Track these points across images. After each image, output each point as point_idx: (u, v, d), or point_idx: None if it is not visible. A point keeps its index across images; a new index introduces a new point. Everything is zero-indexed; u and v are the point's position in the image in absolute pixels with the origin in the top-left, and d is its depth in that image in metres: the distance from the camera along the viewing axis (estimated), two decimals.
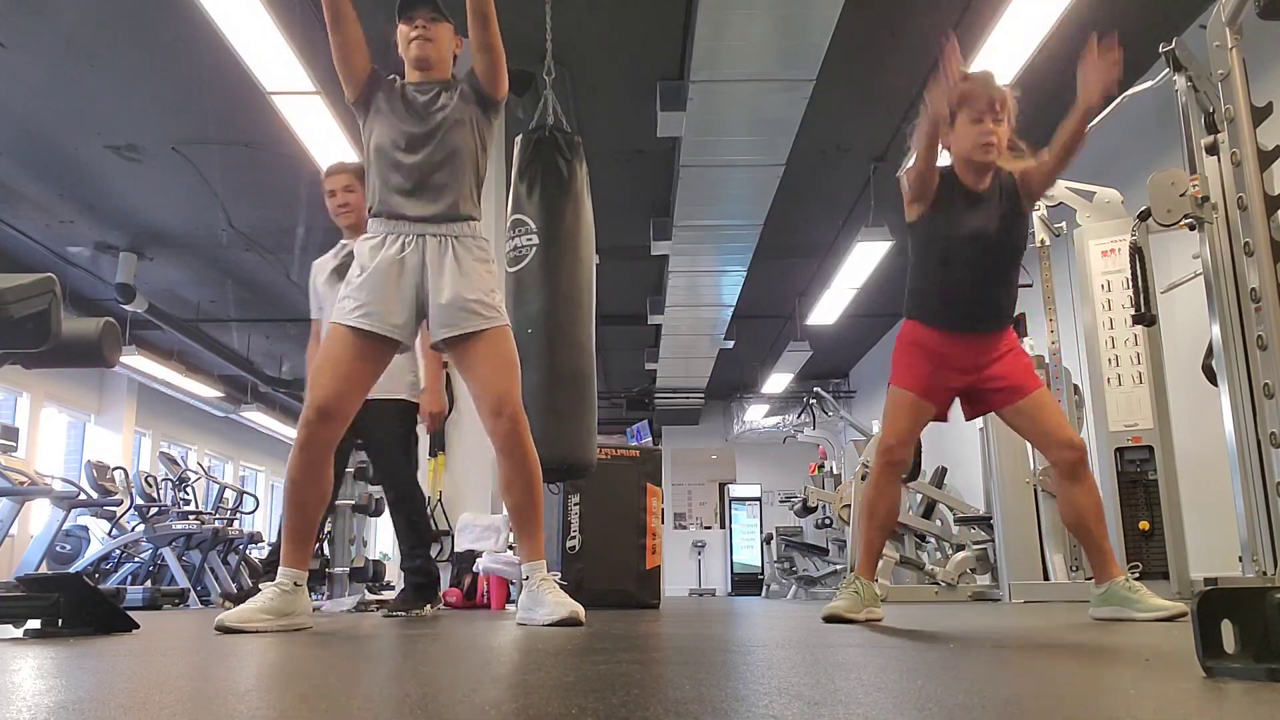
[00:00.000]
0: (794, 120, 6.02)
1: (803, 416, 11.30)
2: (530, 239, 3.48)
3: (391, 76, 2.69)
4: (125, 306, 8.61)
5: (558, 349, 3.39)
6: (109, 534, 7.20)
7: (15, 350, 2.17)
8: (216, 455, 14.59)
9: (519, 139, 3.67)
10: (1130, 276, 3.78)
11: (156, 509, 7.15)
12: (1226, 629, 1.05)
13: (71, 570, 6.26)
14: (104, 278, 8.90)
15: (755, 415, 14.82)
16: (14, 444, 6.68)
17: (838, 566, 8.81)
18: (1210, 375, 3.43)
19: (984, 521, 6.46)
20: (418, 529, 3.86)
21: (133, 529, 7.08)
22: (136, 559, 7.00)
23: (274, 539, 4.07)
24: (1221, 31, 3.03)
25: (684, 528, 15.91)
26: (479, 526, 5.13)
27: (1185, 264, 4.43)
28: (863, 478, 6.47)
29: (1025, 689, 1.13)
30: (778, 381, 12.79)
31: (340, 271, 3.46)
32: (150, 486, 7.36)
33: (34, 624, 2.17)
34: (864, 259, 8.01)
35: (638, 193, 7.72)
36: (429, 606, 3.78)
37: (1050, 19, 4.81)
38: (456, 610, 4.88)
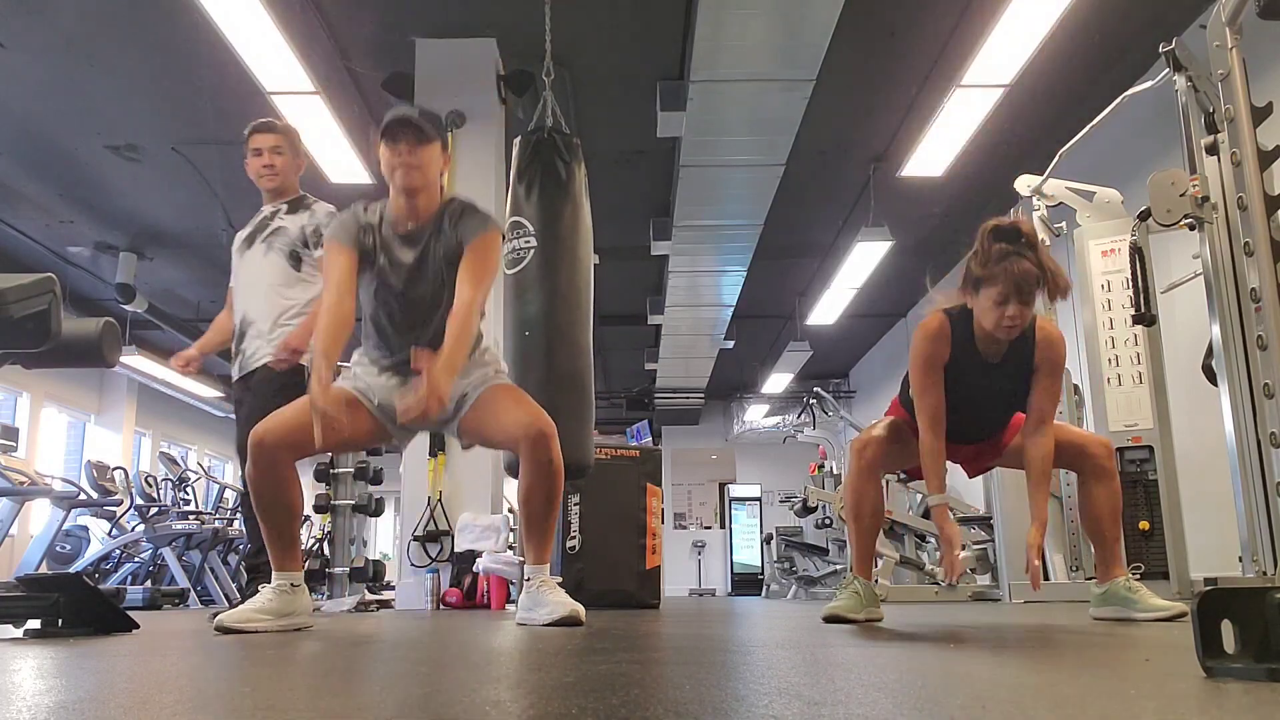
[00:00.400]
0: (794, 120, 6.02)
1: (803, 416, 11.30)
2: (529, 241, 3.48)
3: (376, 226, 2.52)
4: (125, 306, 8.61)
5: (556, 350, 3.40)
6: (109, 534, 7.20)
7: (15, 350, 2.17)
8: (216, 455, 14.59)
9: (518, 141, 3.67)
10: (1130, 276, 3.78)
11: (156, 509, 7.15)
12: (1226, 629, 1.05)
13: (71, 570, 6.26)
14: (104, 278, 8.90)
15: (755, 415, 14.82)
16: (14, 444, 6.68)
17: (838, 566, 8.81)
18: (1210, 375, 3.43)
19: (984, 521, 6.46)
20: None
21: (133, 529, 7.08)
22: (136, 559, 7.01)
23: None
24: (1221, 31, 3.03)
25: (684, 528, 15.91)
26: (479, 526, 5.14)
27: (1185, 264, 4.43)
28: None
29: (1025, 689, 1.13)
30: (778, 381, 12.79)
31: (250, 240, 3.41)
32: (150, 486, 7.37)
33: (34, 624, 2.17)
34: (864, 259, 8.01)
35: (638, 193, 7.72)
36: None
37: (1050, 19, 4.81)
38: (456, 610, 4.88)
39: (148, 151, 6.87)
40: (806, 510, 8.87)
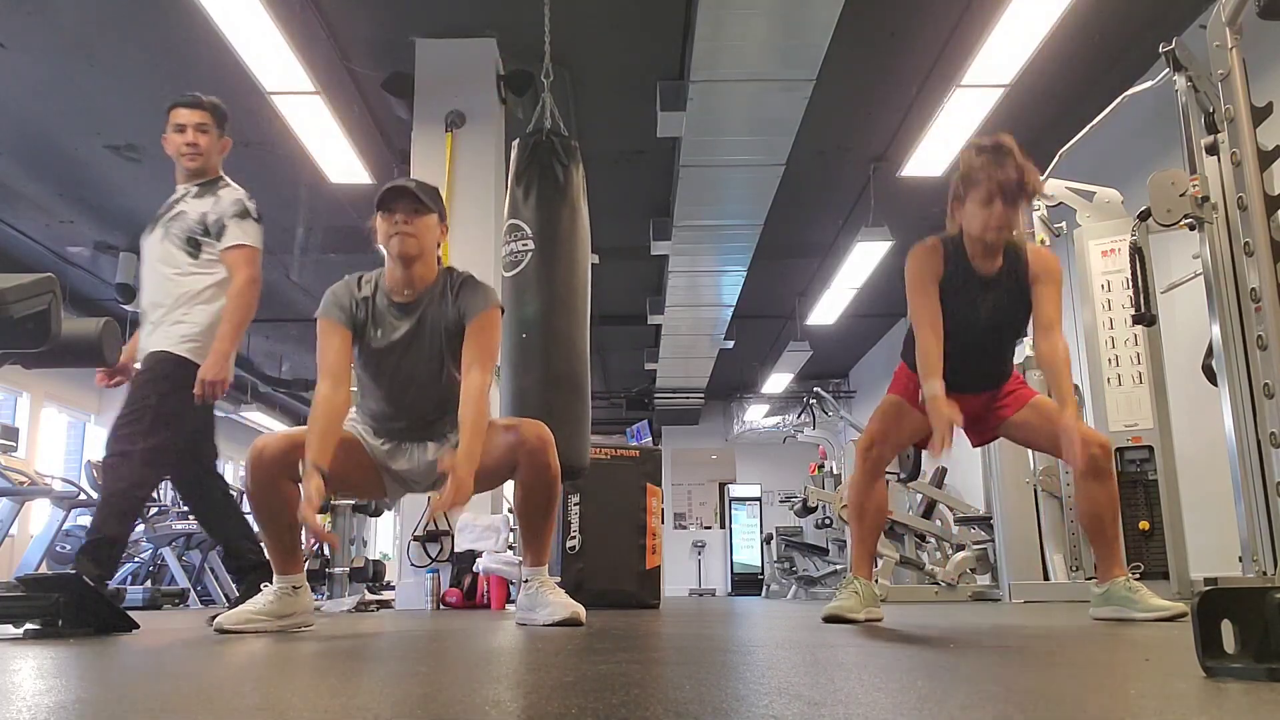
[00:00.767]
0: (794, 120, 6.02)
1: (803, 416, 11.30)
2: (526, 244, 3.48)
3: (371, 300, 2.50)
4: (125, 306, 8.59)
5: (553, 353, 3.40)
6: None
7: (15, 350, 2.17)
8: None
9: (516, 143, 3.67)
10: (1130, 276, 3.78)
11: (156, 509, 7.14)
12: (1226, 629, 1.05)
13: (71, 570, 6.25)
14: (104, 278, 8.90)
15: (755, 415, 14.82)
16: (14, 444, 6.68)
17: (838, 566, 8.81)
18: (1210, 375, 3.43)
19: (984, 521, 6.45)
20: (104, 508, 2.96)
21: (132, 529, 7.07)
22: (136, 559, 7.00)
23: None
24: (1221, 31, 3.03)
25: (684, 528, 15.91)
26: (479, 526, 5.14)
27: (1185, 264, 4.43)
28: None
29: (1025, 689, 1.13)
30: (778, 381, 12.79)
31: (154, 223, 3.29)
32: None
33: (34, 624, 2.17)
34: (864, 259, 8.02)
35: (638, 193, 7.72)
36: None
37: (1050, 19, 4.81)
38: (456, 610, 4.88)
39: (148, 151, 6.87)
40: (806, 510, 8.87)
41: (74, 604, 2.20)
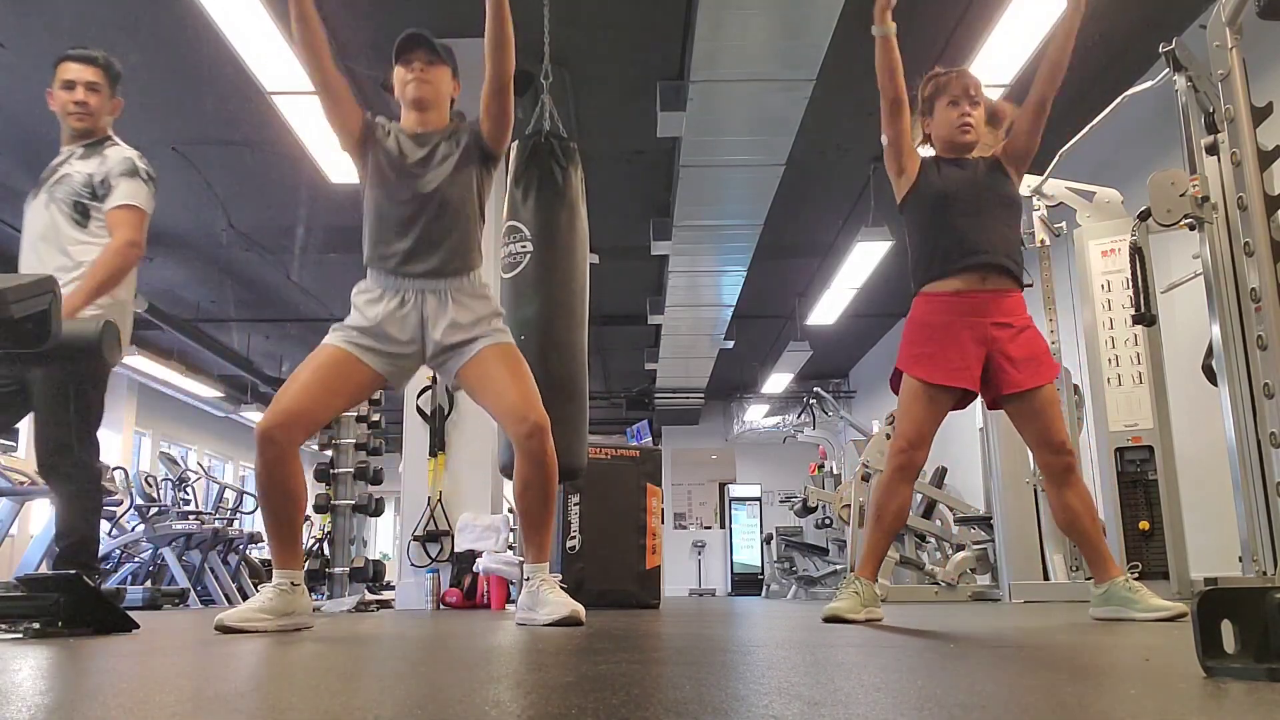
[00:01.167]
0: (794, 120, 6.02)
1: (803, 416, 11.31)
2: (525, 245, 3.49)
3: (388, 127, 2.66)
4: None
5: (550, 355, 3.40)
6: (109, 534, 7.19)
7: (15, 350, 2.17)
8: (216, 455, 14.59)
9: (515, 144, 3.67)
10: (1130, 276, 3.78)
11: (156, 509, 7.15)
12: (1226, 629, 1.05)
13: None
14: None
15: (755, 415, 14.83)
16: (14, 444, 6.68)
17: (838, 566, 8.81)
18: (1210, 375, 3.43)
19: (984, 521, 6.46)
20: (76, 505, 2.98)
21: (133, 529, 7.08)
22: (136, 559, 7.00)
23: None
24: (1221, 31, 3.03)
25: (684, 528, 15.91)
26: (479, 526, 5.14)
27: (1185, 264, 4.43)
28: (864, 478, 6.47)
29: (1025, 689, 1.13)
30: (778, 381, 12.79)
31: (38, 188, 3.01)
32: (150, 486, 7.36)
33: (34, 624, 2.17)
34: (864, 259, 8.02)
35: (638, 193, 7.72)
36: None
37: (1050, 19, 4.81)
38: (456, 610, 4.88)
39: (148, 151, 6.83)
40: (806, 510, 8.88)
41: (74, 604, 2.20)
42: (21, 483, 5.99)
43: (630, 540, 4.74)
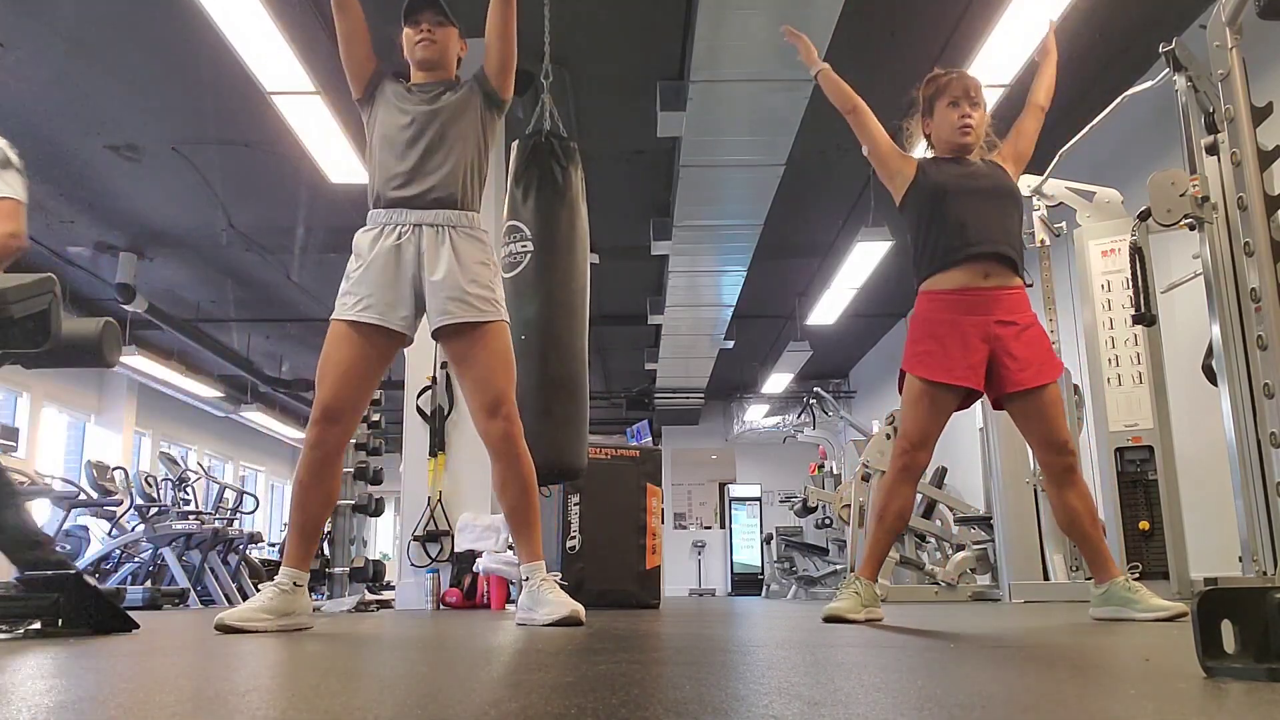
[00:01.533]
0: (794, 120, 6.02)
1: (803, 416, 11.31)
2: (525, 245, 3.49)
3: (396, 74, 2.73)
4: (125, 306, 8.61)
5: (551, 354, 3.41)
6: (109, 534, 7.19)
7: (15, 350, 2.17)
8: (216, 455, 14.59)
9: (515, 144, 3.67)
10: (1130, 276, 3.78)
11: (156, 509, 7.15)
12: (1226, 629, 1.05)
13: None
14: (104, 278, 8.90)
15: (755, 415, 14.83)
16: (14, 444, 6.68)
17: (838, 566, 8.81)
18: (1210, 375, 3.43)
19: (984, 521, 6.46)
20: None
21: (133, 529, 7.07)
22: (136, 559, 7.00)
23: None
24: (1221, 31, 3.03)
25: (684, 528, 15.91)
26: (479, 526, 5.14)
27: (1185, 264, 4.43)
28: (864, 478, 6.47)
29: (1025, 689, 1.13)
30: (778, 381, 12.79)
31: None
32: (150, 486, 7.36)
33: (34, 624, 2.17)
34: (864, 259, 8.02)
35: (638, 193, 7.72)
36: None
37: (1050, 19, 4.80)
38: (456, 610, 4.88)
39: (148, 151, 6.87)
40: (806, 510, 8.88)
41: (74, 604, 2.20)
42: (21, 483, 5.99)
43: (630, 540, 4.74)
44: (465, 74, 2.80)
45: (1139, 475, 4.37)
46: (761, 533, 13.14)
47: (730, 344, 11.18)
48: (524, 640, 2.04)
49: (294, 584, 2.41)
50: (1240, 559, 3.18)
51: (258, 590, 2.49)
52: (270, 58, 4.98)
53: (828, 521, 9.02)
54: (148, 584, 6.67)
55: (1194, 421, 4.79)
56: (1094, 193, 4.77)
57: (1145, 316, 3.69)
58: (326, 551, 5.77)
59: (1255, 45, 3.15)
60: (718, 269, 8.85)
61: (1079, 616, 2.82)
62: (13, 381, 9.91)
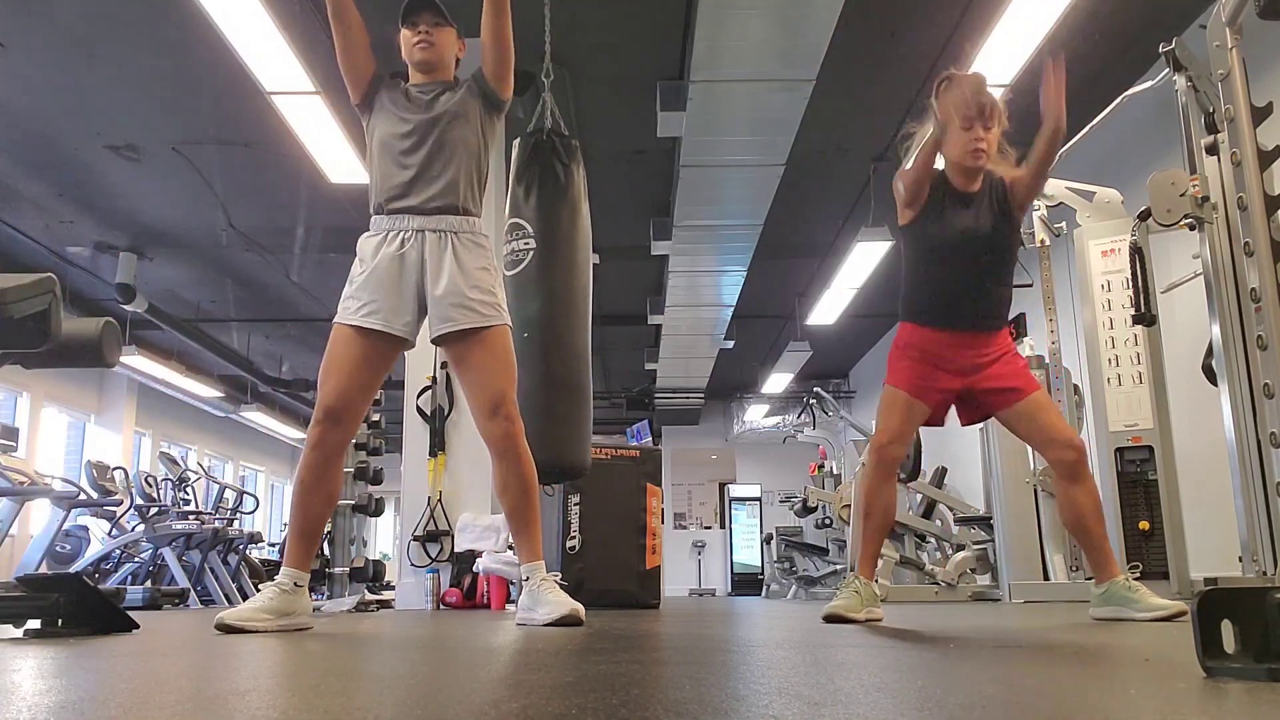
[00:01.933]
0: (794, 120, 6.02)
1: (803, 416, 11.30)
2: (527, 243, 3.48)
3: (395, 77, 2.72)
4: (125, 306, 8.61)
5: (553, 353, 3.40)
6: (109, 534, 7.19)
7: (15, 350, 2.17)
8: (216, 455, 14.59)
9: (517, 142, 3.67)
10: (1130, 276, 3.78)
11: (156, 509, 7.15)
12: (1226, 629, 1.05)
13: (71, 570, 6.26)
14: (104, 278, 8.90)
15: (755, 415, 14.82)
16: (14, 444, 6.68)
17: (838, 566, 8.81)
18: (1210, 375, 3.43)
19: (984, 521, 6.46)
20: None
21: (133, 529, 7.08)
22: (136, 559, 7.00)
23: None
24: (1221, 31, 3.03)
25: (684, 528, 15.91)
26: (479, 526, 5.14)
27: (1185, 264, 4.43)
28: None
29: (1025, 689, 1.13)
30: (778, 381, 12.79)
31: None
32: (150, 486, 7.36)
33: (34, 624, 2.17)
34: (864, 259, 8.02)
35: (638, 193, 7.72)
36: None
37: (1050, 19, 4.81)
38: (456, 610, 4.88)
39: (148, 151, 6.87)
40: (806, 510, 8.88)
41: (74, 604, 2.19)
42: (21, 483, 5.99)
43: (630, 540, 4.74)
44: (464, 73, 2.79)
45: (1139, 475, 4.37)
46: (761, 533, 13.14)
47: (730, 344, 11.17)
48: (524, 640, 2.04)
49: (294, 584, 2.42)
50: (1240, 559, 3.18)
51: (258, 590, 2.49)
52: (270, 58, 4.98)
53: (828, 521, 9.02)
54: (148, 584, 6.67)
55: (1194, 421, 4.79)
56: (1094, 193, 4.77)
57: (1145, 316, 3.69)
58: (326, 551, 5.77)
59: (1255, 45, 3.15)
60: (718, 269, 8.85)
61: (1079, 616, 2.82)
62: (13, 381, 9.91)
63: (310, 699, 1.05)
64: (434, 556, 5.24)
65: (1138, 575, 3.89)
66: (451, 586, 5.16)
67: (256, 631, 2.28)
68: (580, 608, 2.48)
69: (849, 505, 6.89)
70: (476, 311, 2.52)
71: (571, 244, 3.52)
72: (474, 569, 5.07)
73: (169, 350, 10.90)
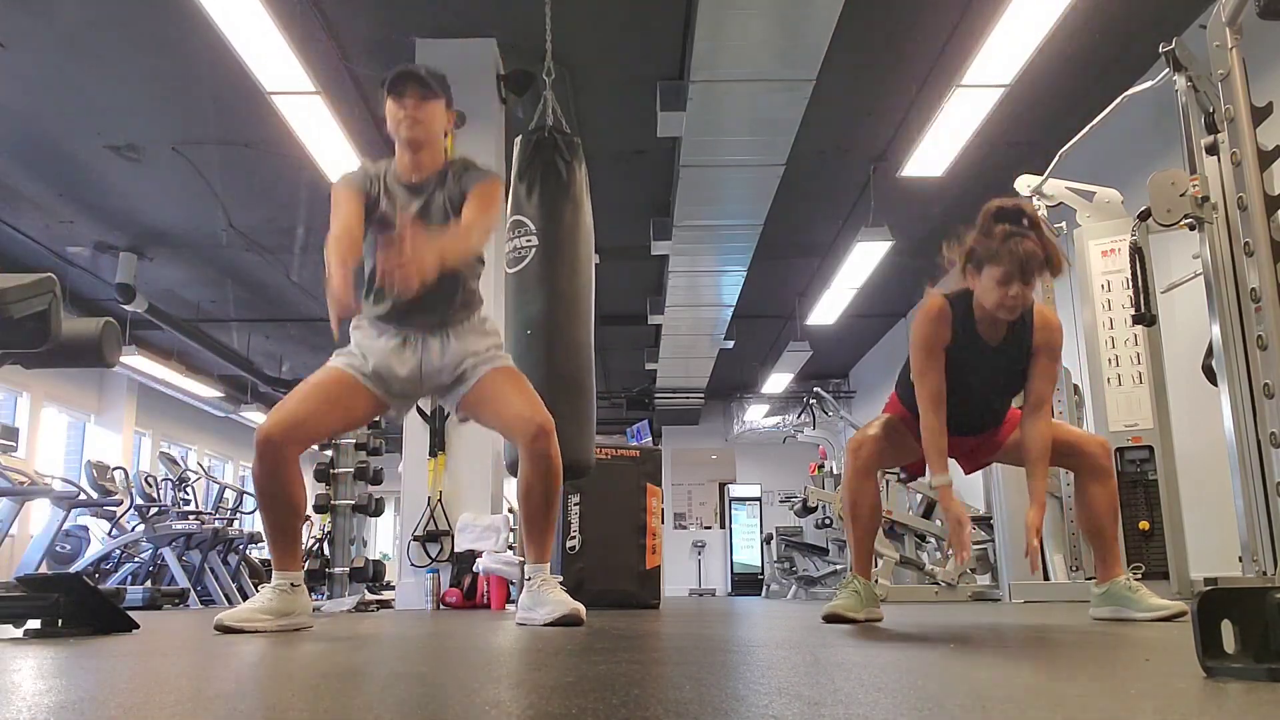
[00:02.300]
0: (794, 120, 6.02)
1: (803, 416, 11.30)
2: (530, 240, 3.48)
3: (382, 178, 2.56)
4: (125, 306, 8.61)
5: (556, 350, 3.39)
6: (109, 534, 7.20)
7: (15, 350, 2.17)
8: (216, 455, 14.59)
9: (518, 140, 3.67)
10: (1130, 276, 3.78)
11: (156, 509, 7.15)
12: (1226, 629, 1.05)
13: (71, 570, 6.26)
14: (104, 278, 8.90)
15: (755, 415, 14.82)
16: (14, 444, 6.68)
17: (838, 566, 8.81)
18: (1210, 375, 3.43)
19: (984, 521, 6.45)
20: None
21: (133, 529, 7.08)
22: (136, 559, 7.00)
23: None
24: (1221, 31, 3.03)
25: (684, 528, 15.91)
26: (479, 526, 5.14)
27: (1185, 264, 4.43)
28: None
29: (1025, 689, 1.13)
30: (778, 381, 12.79)
31: None
32: (150, 486, 7.36)
33: (34, 624, 2.17)
34: (864, 259, 8.02)
35: (638, 193, 7.72)
36: None
37: (1050, 19, 4.81)
38: (456, 610, 4.88)
39: (148, 151, 6.87)
40: (806, 510, 8.87)
41: (74, 604, 2.19)
42: (21, 483, 5.99)
43: (630, 540, 4.74)
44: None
45: (1139, 475, 4.37)
46: (761, 533, 13.13)
47: (730, 344, 11.18)
48: (524, 640, 2.04)
49: (291, 585, 2.42)
50: (1240, 559, 3.18)
51: (258, 590, 2.49)
52: (270, 58, 4.98)
53: (828, 521, 9.00)
54: (148, 584, 6.67)
55: (1194, 421, 4.79)
56: (1094, 193, 4.77)
57: (1145, 316, 3.69)
58: (326, 551, 5.77)
59: (1255, 45, 3.15)
60: (718, 269, 8.85)
61: (1079, 616, 2.82)
62: (13, 381, 9.91)
63: (310, 699, 1.05)
64: (434, 556, 5.24)
65: (1138, 575, 3.89)
66: (451, 586, 5.16)
67: (256, 632, 2.28)
68: (581, 608, 2.48)
69: (843, 506, 6.89)
70: (482, 363, 2.53)
71: (574, 241, 3.51)
72: (474, 569, 5.07)
73: (169, 350, 10.90)
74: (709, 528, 15.98)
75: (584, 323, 3.50)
